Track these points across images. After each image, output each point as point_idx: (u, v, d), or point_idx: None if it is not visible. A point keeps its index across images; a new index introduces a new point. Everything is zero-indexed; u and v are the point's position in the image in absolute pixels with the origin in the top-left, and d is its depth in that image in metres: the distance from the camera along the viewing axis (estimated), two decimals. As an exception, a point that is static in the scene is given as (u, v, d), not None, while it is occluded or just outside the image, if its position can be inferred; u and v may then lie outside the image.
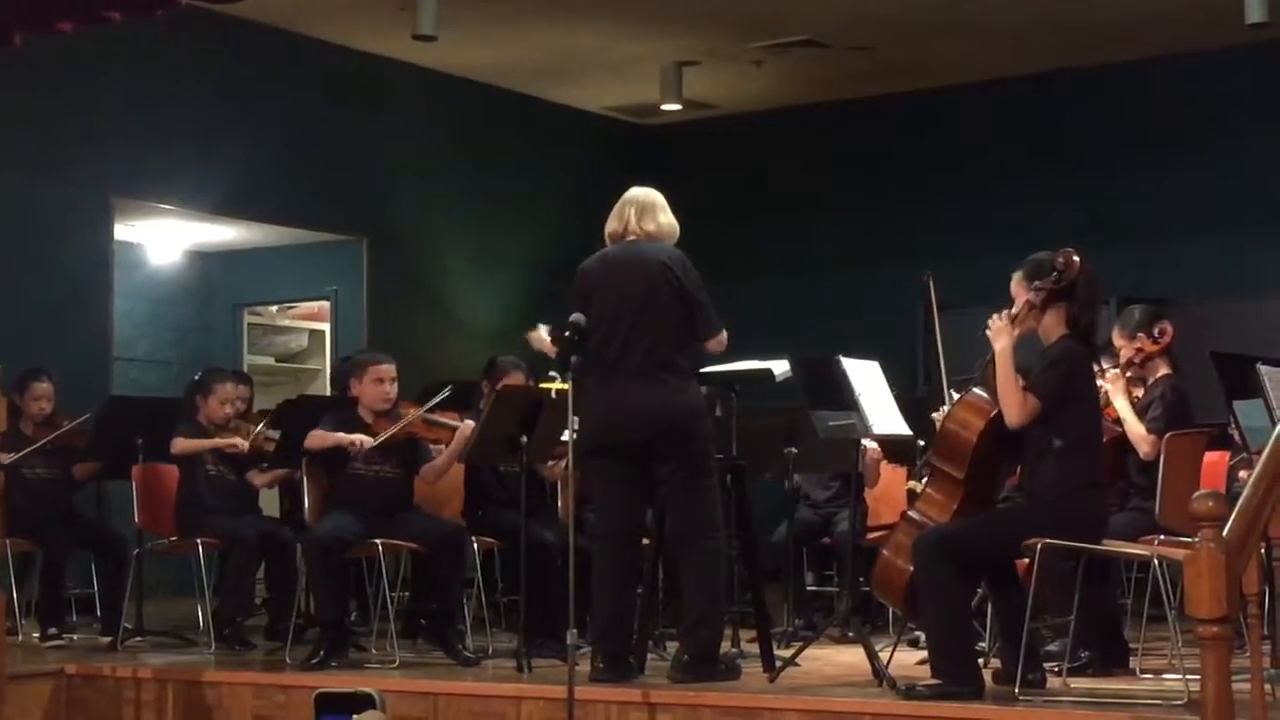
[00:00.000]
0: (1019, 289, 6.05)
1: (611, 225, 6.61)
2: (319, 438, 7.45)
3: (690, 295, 6.41)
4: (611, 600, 6.48)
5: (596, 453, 6.50)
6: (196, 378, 8.59)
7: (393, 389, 7.53)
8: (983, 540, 5.93)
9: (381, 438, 7.38)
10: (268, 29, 11.32)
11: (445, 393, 7.61)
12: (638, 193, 6.64)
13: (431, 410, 7.56)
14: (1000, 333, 5.93)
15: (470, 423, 7.50)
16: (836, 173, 13.39)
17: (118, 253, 11.13)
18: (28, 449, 8.33)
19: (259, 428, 8.20)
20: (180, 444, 8.10)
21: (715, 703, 6.02)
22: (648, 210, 6.56)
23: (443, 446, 7.59)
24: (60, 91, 10.36)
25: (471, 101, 12.88)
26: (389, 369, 7.55)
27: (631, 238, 6.54)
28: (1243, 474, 6.87)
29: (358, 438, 7.39)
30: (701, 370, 6.84)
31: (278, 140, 11.56)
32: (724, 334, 6.50)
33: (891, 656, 6.38)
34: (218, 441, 8.15)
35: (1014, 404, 5.84)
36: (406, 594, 8.37)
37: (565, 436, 6.61)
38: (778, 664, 6.51)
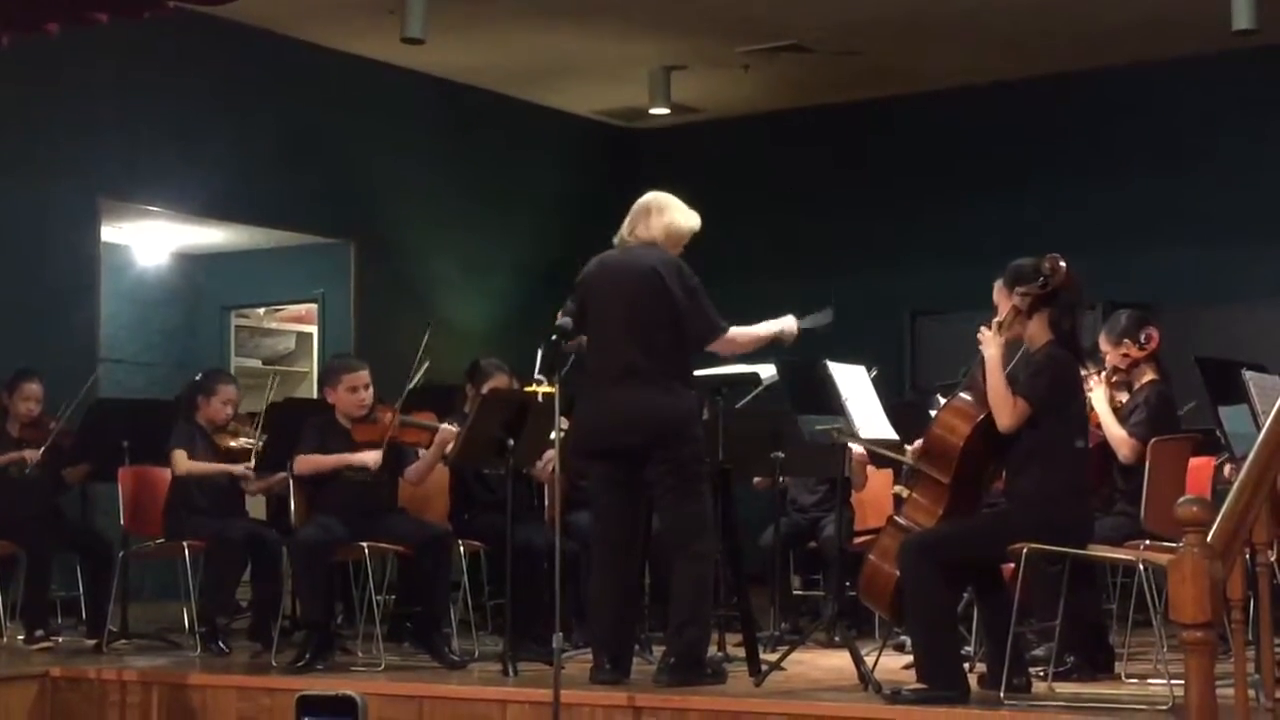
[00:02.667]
0: (1001, 296, 6.07)
1: (620, 231, 6.63)
2: (313, 462, 7.42)
3: (680, 301, 6.39)
4: (615, 603, 6.49)
5: (592, 456, 6.52)
6: (198, 377, 8.56)
7: (368, 395, 7.51)
8: (968, 545, 5.94)
9: (383, 448, 7.37)
10: (256, 31, 11.31)
11: (424, 351, 7.56)
12: (644, 197, 6.64)
13: (408, 410, 7.55)
14: (990, 341, 5.96)
15: (450, 426, 7.49)
16: (823, 177, 13.40)
17: (105, 255, 11.13)
18: (43, 447, 8.36)
19: (258, 437, 8.18)
20: (184, 464, 8.05)
21: (701, 706, 6.02)
22: (641, 216, 6.56)
23: (423, 449, 7.58)
24: (47, 93, 10.35)
25: (459, 105, 12.88)
26: (363, 376, 7.52)
27: (631, 243, 6.56)
28: (1228, 468, 6.90)
29: (366, 458, 7.38)
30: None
31: (265, 143, 11.56)
32: (732, 332, 6.48)
33: (877, 661, 6.38)
34: (227, 467, 8.12)
35: (1005, 408, 5.85)
36: (392, 597, 8.36)
37: (552, 438, 6.61)
38: (763, 668, 6.51)
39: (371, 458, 7.38)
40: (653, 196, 6.65)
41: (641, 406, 6.36)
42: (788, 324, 6.65)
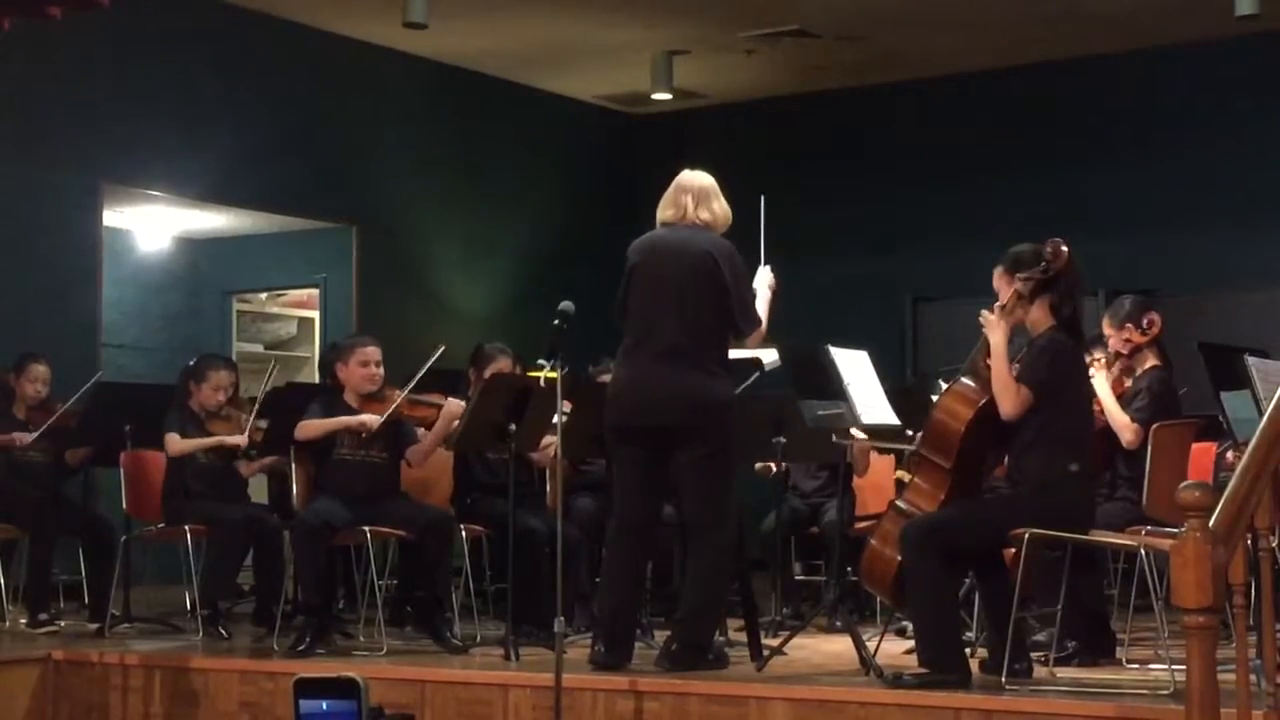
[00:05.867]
0: (1001, 281, 6.06)
1: (666, 213, 6.53)
2: (314, 426, 7.43)
3: (730, 288, 6.35)
4: (622, 585, 6.46)
5: (621, 434, 6.45)
6: (191, 364, 8.55)
7: (379, 371, 7.53)
8: (970, 530, 5.94)
9: (386, 415, 7.37)
10: (258, 14, 11.31)
11: (439, 353, 7.57)
12: (693, 180, 6.56)
13: (417, 389, 7.55)
14: (994, 326, 5.95)
15: (455, 400, 7.49)
16: (826, 162, 13.38)
17: (106, 239, 11.12)
18: (38, 431, 8.36)
19: (251, 416, 8.16)
20: (177, 445, 8.04)
21: (703, 691, 6.02)
22: (704, 198, 6.50)
23: (427, 429, 7.58)
24: (49, 77, 10.35)
25: (462, 89, 12.87)
26: (375, 351, 7.55)
27: (691, 221, 6.49)
28: (1230, 456, 6.89)
29: (365, 418, 7.39)
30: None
31: (267, 127, 11.55)
32: (762, 326, 6.48)
33: (879, 646, 6.38)
34: (219, 439, 8.11)
35: (1009, 396, 5.84)
36: (394, 581, 8.36)
37: (555, 421, 6.59)
38: (765, 653, 6.51)
39: (370, 418, 7.38)
40: (705, 179, 6.57)
41: (684, 387, 6.30)
42: (764, 275, 6.69)
